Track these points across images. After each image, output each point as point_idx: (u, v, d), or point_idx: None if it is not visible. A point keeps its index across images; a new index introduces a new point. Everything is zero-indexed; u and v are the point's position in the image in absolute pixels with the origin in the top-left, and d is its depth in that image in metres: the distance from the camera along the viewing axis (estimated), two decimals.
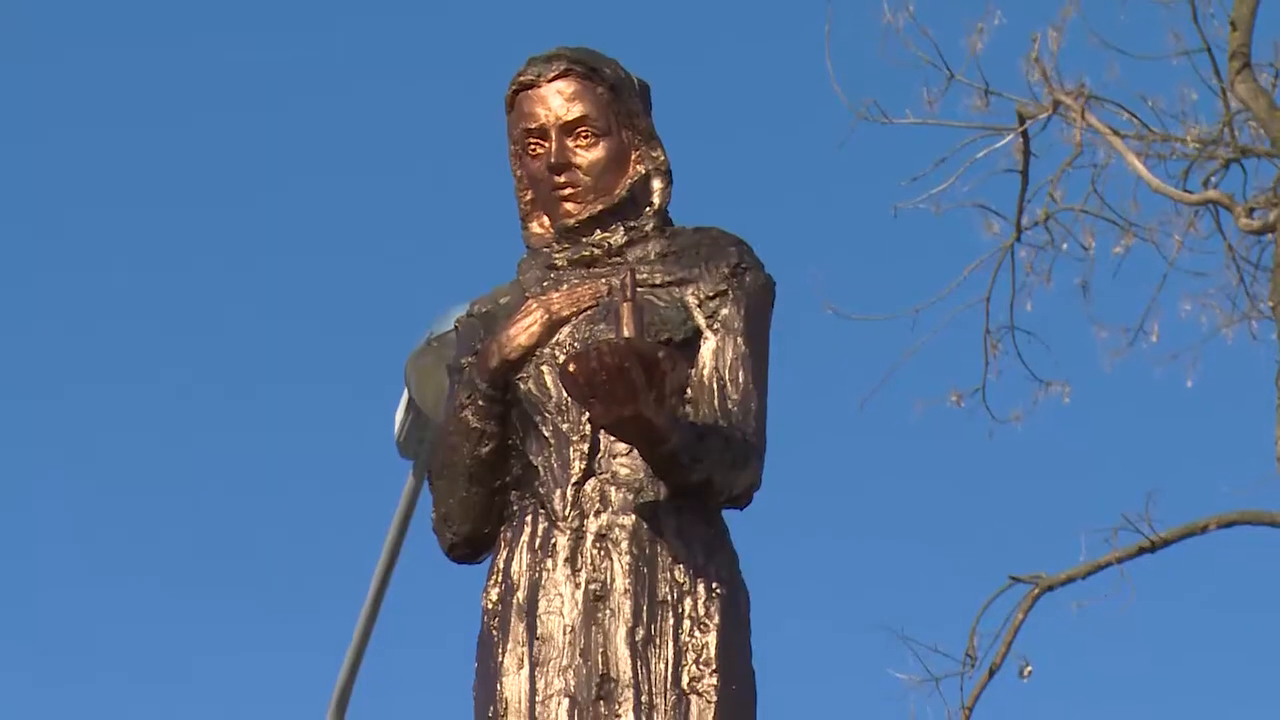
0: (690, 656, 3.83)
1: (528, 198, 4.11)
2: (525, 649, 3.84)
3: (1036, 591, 10.01)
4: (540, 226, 4.09)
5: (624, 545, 3.83)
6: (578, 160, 3.99)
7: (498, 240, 4.14)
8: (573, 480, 3.85)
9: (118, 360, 43.02)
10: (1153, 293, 10.55)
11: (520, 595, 3.85)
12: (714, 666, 3.81)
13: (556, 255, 4.02)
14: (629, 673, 3.76)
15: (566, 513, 3.85)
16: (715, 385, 3.91)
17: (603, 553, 3.83)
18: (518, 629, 3.86)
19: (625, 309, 3.62)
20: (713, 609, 3.84)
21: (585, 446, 3.89)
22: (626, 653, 3.78)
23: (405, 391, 6.06)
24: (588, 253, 3.97)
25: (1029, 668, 10.23)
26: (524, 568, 3.88)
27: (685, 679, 3.82)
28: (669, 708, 3.78)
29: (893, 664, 10.59)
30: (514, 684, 3.82)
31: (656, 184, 4.05)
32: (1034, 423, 11.22)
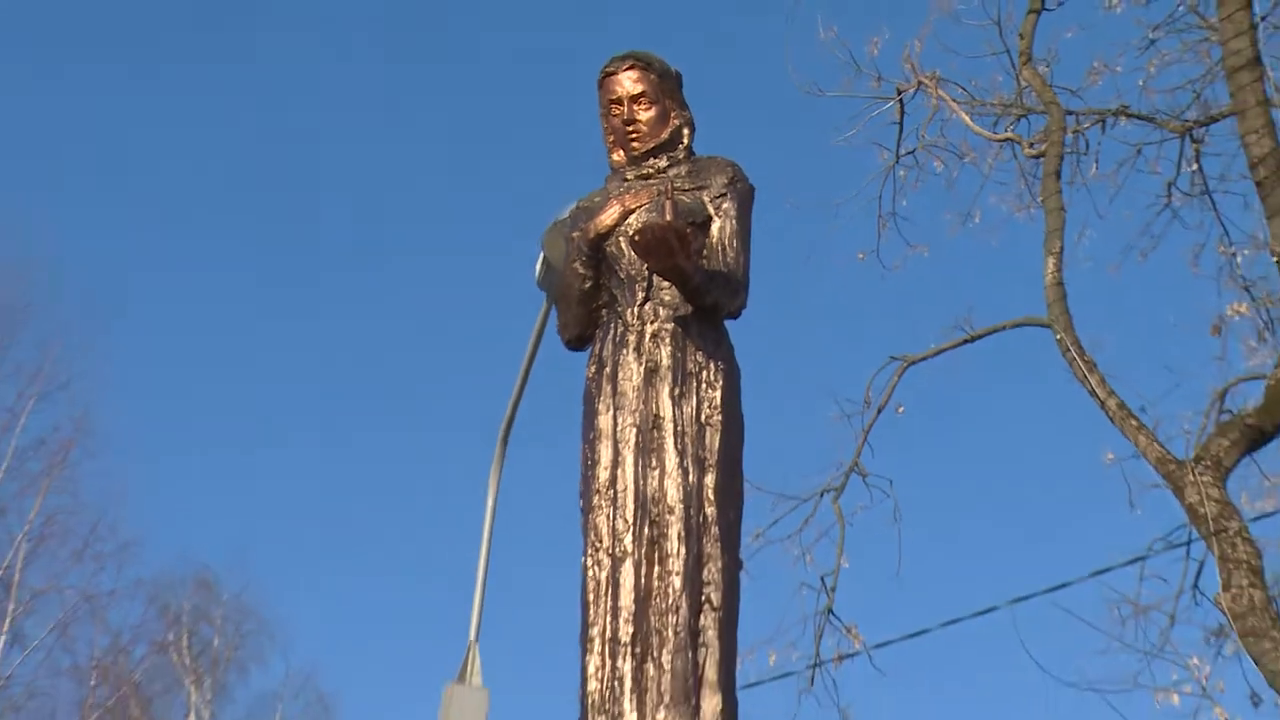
0: (706, 404, 5.57)
1: (611, 140, 5.96)
2: (610, 399, 5.61)
3: (904, 365, 12.51)
4: (618, 156, 5.95)
5: (667, 340, 5.60)
6: (640, 118, 5.86)
7: (596, 164, 5.79)
8: (638, 302, 5.67)
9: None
10: (975, 192, 13.71)
11: (607, 369, 5.66)
12: (720, 410, 5.57)
13: (628, 173, 5.87)
14: (670, 413, 5.52)
15: (633, 321, 5.66)
16: (720, 247, 5.70)
17: (655, 344, 5.60)
18: (606, 388, 5.63)
19: (667, 204, 5.42)
20: (719, 377, 5.62)
21: (644, 283, 5.65)
22: (669, 402, 5.53)
23: (541, 251, 7.76)
24: (646, 172, 5.83)
25: (900, 408, 12.73)
26: (609, 353, 5.68)
27: (703, 416, 5.57)
28: (694, 434, 5.51)
29: (822, 410, 12.75)
30: (604, 420, 5.60)
31: (685, 131, 5.93)
32: (908, 269, 13.87)
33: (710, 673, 5.27)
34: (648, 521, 5.39)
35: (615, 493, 5.48)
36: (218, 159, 47.62)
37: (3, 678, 19.86)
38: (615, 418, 5.56)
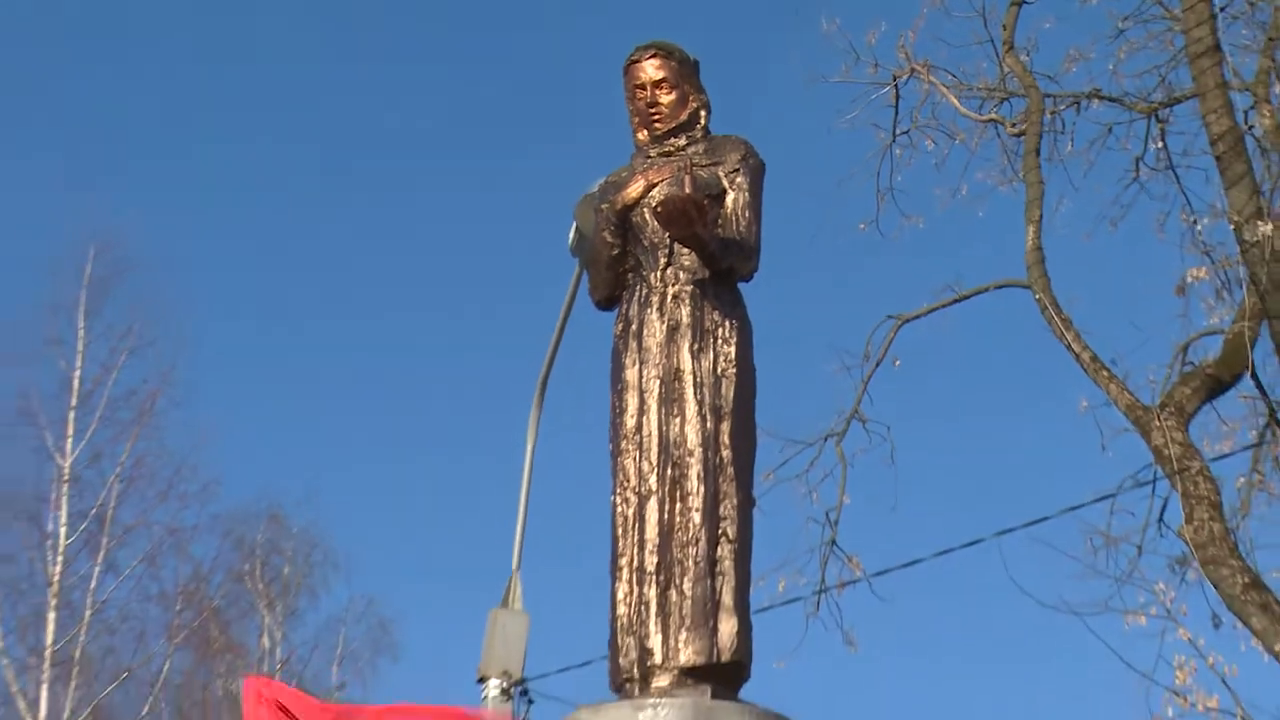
0: (722, 358, 5.56)
1: (635, 120, 5.90)
2: (636, 354, 5.61)
3: (900, 322, 12.56)
4: (642, 136, 5.90)
5: (686, 300, 5.60)
6: (661, 101, 5.83)
7: (622, 144, 5.81)
8: (660, 266, 5.66)
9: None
10: (963, 168, 13.46)
11: (633, 327, 5.66)
12: (734, 363, 5.57)
13: (651, 151, 5.84)
14: (690, 367, 5.52)
15: (656, 284, 5.66)
16: (734, 217, 5.69)
17: (676, 304, 5.60)
18: (632, 344, 5.63)
19: (686, 179, 5.42)
20: (733, 333, 5.62)
21: (666, 249, 5.64)
22: (688, 356, 5.54)
23: (573, 222, 7.64)
24: (667, 149, 5.80)
25: (897, 361, 12.78)
26: (635, 312, 5.69)
27: (719, 369, 5.56)
28: (711, 385, 5.51)
29: (826, 363, 12.76)
30: (631, 373, 5.61)
31: (702, 113, 5.89)
32: (904, 238, 13.83)
33: (726, 598, 5.32)
34: (670, 463, 5.42)
35: (641, 438, 5.51)
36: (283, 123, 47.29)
37: (99, 602, 20.08)
38: (640, 371, 5.58)
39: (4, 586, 20.04)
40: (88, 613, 19.87)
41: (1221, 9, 11.38)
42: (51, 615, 19.49)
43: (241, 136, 43.62)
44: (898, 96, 13.12)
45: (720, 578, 5.33)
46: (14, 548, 20.34)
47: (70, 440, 20.47)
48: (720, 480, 5.42)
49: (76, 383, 20.88)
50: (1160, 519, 11.49)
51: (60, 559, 19.91)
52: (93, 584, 20.07)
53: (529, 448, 10.25)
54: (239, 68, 45.52)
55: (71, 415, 20.66)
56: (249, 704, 6.26)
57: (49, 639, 19.34)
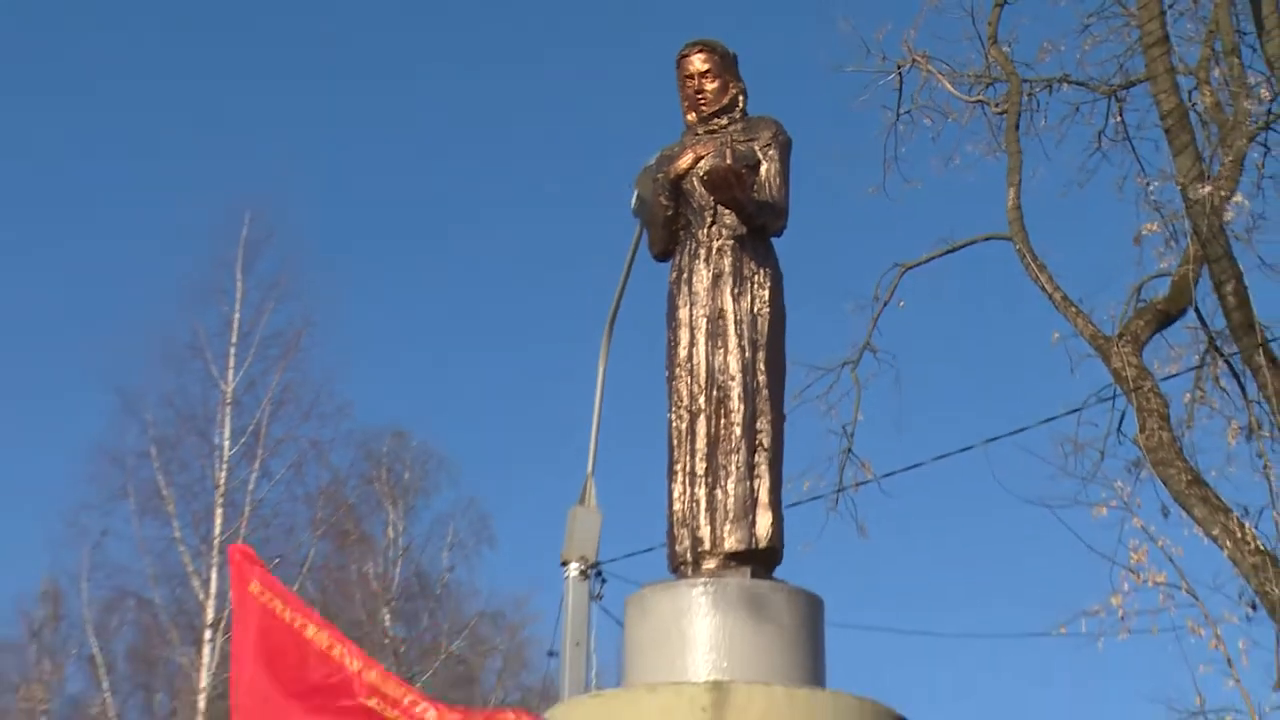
0: (757, 300, 5.56)
1: (685, 104, 5.84)
2: (687, 298, 5.59)
3: (903, 269, 12.51)
4: (691, 117, 5.84)
5: (728, 253, 5.58)
6: (706, 88, 5.79)
7: (674, 124, 5.83)
8: (706, 225, 5.63)
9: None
10: (955, 141, 13.02)
11: (684, 275, 5.64)
12: (768, 304, 5.56)
13: (698, 129, 5.80)
14: (731, 308, 5.52)
15: (704, 239, 5.63)
16: (767, 183, 5.64)
17: (719, 256, 5.59)
18: (683, 289, 5.62)
19: (728, 152, 5.46)
20: (767, 279, 5.59)
21: (711, 211, 5.60)
22: (730, 299, 5.54)
23: (635, 189, 7.48)
24: (711, 128, 5.76)
25: (901, 302, 12.65)
26: (685, 263, 5.67)
27: (755, 309, 5.55)
28: (749, 322, 5.50)
29: (842, 303, 12.67)
30: (683, 312, 5.59)
31: (740, 97, 5.83)
32: (906, 200, 13.65)
33: (763, 496, 5.39)
34: (715, 386, 5.46)
35: (691, 365, 5.53)
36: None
37: (256, 501, 20.50)
38: (691, 311, 5.60)
39: (181, 489, 20.49)
40: (247, 509, 20.29)
41: (1169, 6, 11.34)
42: (219, 512, 19.97)
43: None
44: (901, 82, 13.04)
45: (757, 480, 5.40)
46: (189, 457, 20.87)
47: (231, 371, 20.82)
48: (757, 400, 5.46)
49: (236, 324, 21.19)
50: (1119, 429, 11.52)
51: (225, 466, 20.36)
52: (250, 486, 20.52)
53: (600, 373, 10.22)
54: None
55: (232, 350, 21.02)
56: (235, 567, 6.24)
57: (216, 530, 19.80)
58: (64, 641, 23.63)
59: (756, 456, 5.42)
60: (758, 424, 5.45)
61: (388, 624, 23.62)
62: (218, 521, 19.90)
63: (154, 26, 40.94)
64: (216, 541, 19.32)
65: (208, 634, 18.85)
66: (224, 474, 20.20)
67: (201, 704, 17.79)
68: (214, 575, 19.48)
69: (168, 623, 20.57)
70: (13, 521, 40.12)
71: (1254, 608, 10.14)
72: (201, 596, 19.49)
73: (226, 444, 20.38)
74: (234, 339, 21.17)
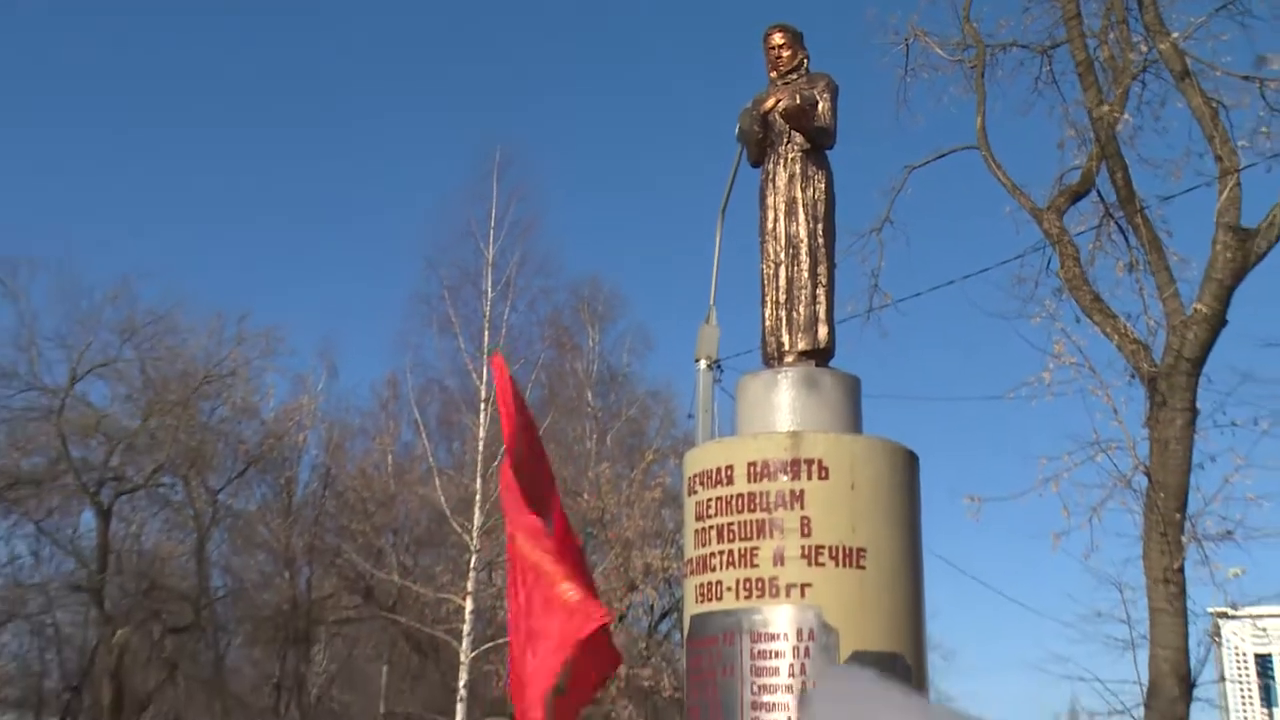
0: (817, 191, 5.31)
1: (769, 66, 5.62)
2: (771, 189, 5.43)
3: (909, 170, 12.17)
4: (772, 74, 5.61)
5: (798, 162, 5.41)
6: (783, 55, 5.58)
7: (761, 79, 5.62)
8: (784, 142, 5.43)
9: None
10: (943, 87, 12.28)
11: (770, 175, 5.48)
12: (824, 194, 5.36)
13: (777, 82, 5.57)
14: (800, 196, 5.37)
15: (782, 151, 5.44)
16: (823, 115, 5.40)
17: (792, 162, 5.41)
18: (770, 185, 5.45)
19: (797, 95, 5.28)
20: (823, 178, 5.42)
21: (787, 134, 5.41)
22: (799, 190, 5.38)
23: (738, 122, 7.20)
24: (787, 80, 5.53)
25: (910, 190, 12.13)
26: (771, 167, 5.50)
27: (815, 196, 5.37)
28: (811, 205, 5.34)
29: (870, 192, 12.42)
30: (769, 199, 5.42)
31: (804, 60, 5.60)
32: (913, 129, 13.22)
33: (821, 315, 5.33)
34: (790, 246, 5.37)
35: (776, 233, 5.42)
36: None
37: (508, 324, 19.77)
38: (774, 198, 5.46)
39: (463, 318, 19.68)
40: (503, 330, 19.67)
41: None
42: (485, 332, 19.40)
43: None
44: (908, 49, 12.37)
45: (818, 305, 5.31)
46: (468, 297, 19.80)
47: (491, 244, 19.90)
48: (817, 254, 5.37)
49: (493, 213, 19.96)
50: (1047, 267, 11.43)
51: (488, 303, 19.56)
52: (505, 316, 19.80)
53: (717, 240, 9.86)
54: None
55: (491, 231, 20.02)
56: (499, 378, 5.02)
57: (484, 343, 19.34)
58: (399, 409, 23.93)
59: (818, 291, 5.32)
60: (819, 270, 5.33)
61: (590, 399, 23.62)
62: (485, 337, 19.70)
63: None
64: (485, 350, 19.23)
65: (482, 407, 19.17)
66: (488, 308, 19.85)
67: (480, 449, 18.14)
68: (484, 371, 19.50)
69: (459, 399, 20.81)
70: (368, 339, 43.66)
71: (1132, 377, 10.19)
72: (477, 383, 19.41)
73: (489, 289, 19.92)
74: (492, 223, 20.57)
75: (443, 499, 18.04)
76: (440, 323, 19.82)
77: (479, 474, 16.60)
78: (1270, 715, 20.78)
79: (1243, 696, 20.61)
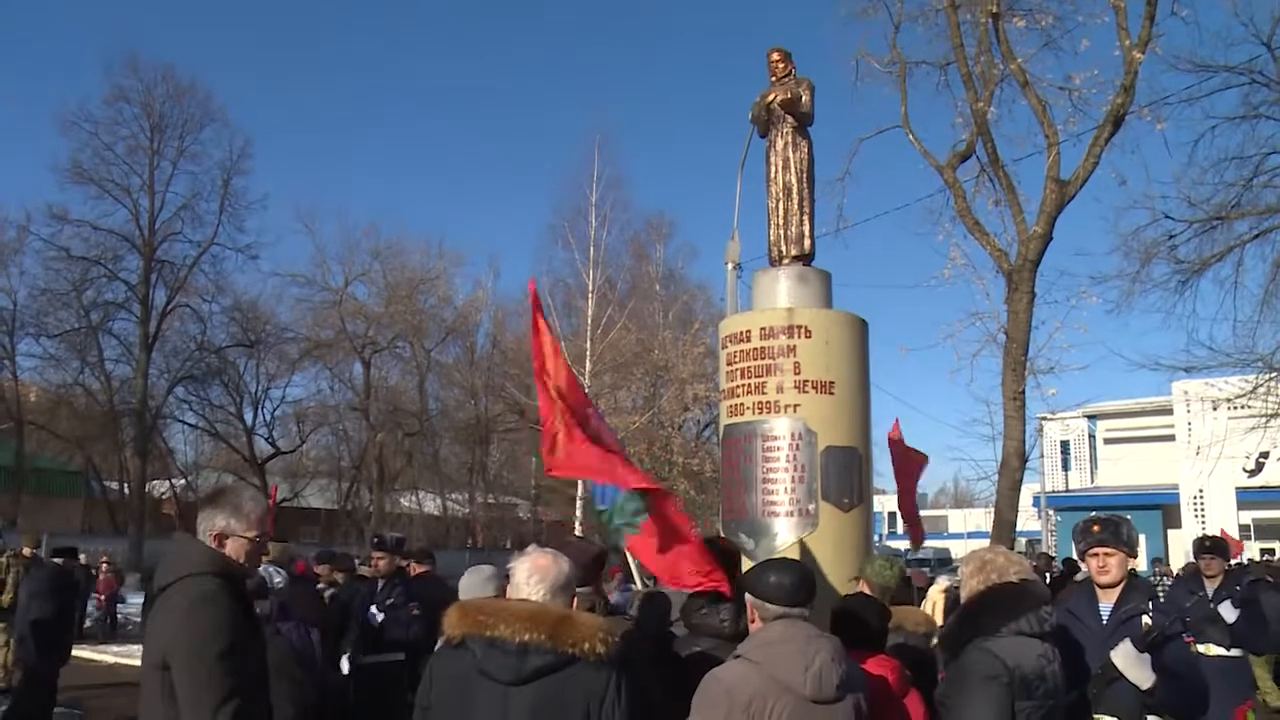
0: (801, 152, 6.06)
1: (770, 72, 6.40)
2: (774, 148, 5.99)
3: (859, 141, 16.33)
4: (772, 79, 6.37)
5: (790, 134, 6.13)
6: (779, 66, 6.38)
7: (763, 81, 6.23)
8: (781, 122, 6.12)
9: None
10: (879, 89, 15.78)
11: (772, 145, 6.03)
12: (807, 154, 6.04)
13: (775, 84, 6.33)
14: (792, 155, 5.93)
15: (780, 126, 6.06)
16: (806, 104, 6.12)
17: (785, 134, 6.08)
18: (772, 148, 6.02)
19: (790, 92, 6.20)
20: (806, 144, 6.07)
21: (782, 116, 6.11)
22: (792, 149, 5.93)
23: (751, 110, 6.33)
24: (782, 82, 6.31)
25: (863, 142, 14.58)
26: (773, 136, 6.07)
27: (800, 156, 6.01)
28: (798, 162, 6.00)
29: (836, 151, 14.56)
30: (772, 154, 5.97)
31: (793, 69, 6.35)
32: (864, 111, 15.75)
33: (807, 232, 5.99)
34: (785, 188, 6.10)
35: (776, 180, 6.08)
36: None
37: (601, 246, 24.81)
38: (775, 159, 6.22)
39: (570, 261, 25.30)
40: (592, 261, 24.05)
41: (961, 19, 14.38)
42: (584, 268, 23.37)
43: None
44: (857, 65, 15.40)
45: (804, 226, 6.07)
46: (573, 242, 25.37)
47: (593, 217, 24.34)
48: (803, 194, 6.11)
49: (594, 196, 24.67)
50: (947, 203, 15.08)
51: (592, 230, 23.99)
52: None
53: (738, 187, 9.91)
54: None
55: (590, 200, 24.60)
56: (533, 302, 4.48)
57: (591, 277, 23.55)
58: (525, 301, 28.68)
59: (804, 218, 6.06)
60: (804, 205, 6.07)
61: (658, 289, 28.19)
62: (590, 252, 24.09)
63: None
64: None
65: (589, 297, 23.14)
66: (592, 232, 24.50)
67: (589, 323, 22.67)
68: (591, 272, 23.30)
69: (574, 290, 25.64)
70: (520, 254, 55.76)
71: (997, 273, 14.02)
72: (585, 280, 23.57)
73: (593, 220, 24.31)
74: (595, 179, 24.87)
75: (566, 354, 23.79)
76: (562, 242, 25.43)
77: (588, 338, 21.96)
78: (1066, 476, 34.23)
79: (1052, 466, 34.37)
